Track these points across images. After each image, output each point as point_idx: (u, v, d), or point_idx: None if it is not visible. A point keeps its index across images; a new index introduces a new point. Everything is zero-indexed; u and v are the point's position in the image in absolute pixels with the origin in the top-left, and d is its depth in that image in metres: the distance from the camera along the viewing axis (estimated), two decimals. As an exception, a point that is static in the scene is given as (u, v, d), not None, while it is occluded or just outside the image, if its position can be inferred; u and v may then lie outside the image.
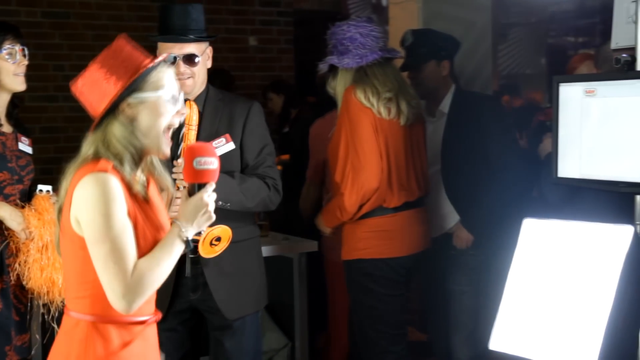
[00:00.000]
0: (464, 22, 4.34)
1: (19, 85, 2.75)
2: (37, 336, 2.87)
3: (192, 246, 1.87)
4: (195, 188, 1.89)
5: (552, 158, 2.20)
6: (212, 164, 1.89)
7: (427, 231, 3.18)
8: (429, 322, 3.70)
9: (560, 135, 2.19)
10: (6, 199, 2.70)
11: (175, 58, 2.57)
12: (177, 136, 2.61)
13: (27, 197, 2.78)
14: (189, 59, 2.64)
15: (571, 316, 1.81)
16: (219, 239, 2.04)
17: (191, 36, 2.64)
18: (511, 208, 3.22)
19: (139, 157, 1.86)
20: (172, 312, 2.73)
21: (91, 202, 1.75)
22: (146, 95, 1.84)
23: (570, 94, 2.19)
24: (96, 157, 1.81)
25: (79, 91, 1.85)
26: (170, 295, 2.69)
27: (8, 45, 2.72)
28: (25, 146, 2.81)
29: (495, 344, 1.96)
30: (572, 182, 2.19)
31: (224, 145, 2.64)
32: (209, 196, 1.89)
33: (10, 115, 2.80)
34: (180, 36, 2.63)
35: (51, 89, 5.71)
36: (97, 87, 1.82)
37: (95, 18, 5.93)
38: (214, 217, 1.91)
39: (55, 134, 5.69)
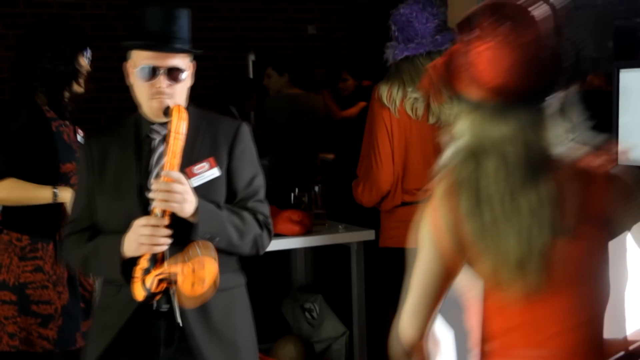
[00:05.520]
0: (525, 6, 4.25)
1: (80, 88, 2.89)
2: None
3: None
4: None
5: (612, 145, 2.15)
6: None
7: None
8: None
9: (621, 122, 2.13)
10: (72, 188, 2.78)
11: (154, 71, 2.07)
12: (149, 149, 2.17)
13: None
14: (172, 74, 2.08)
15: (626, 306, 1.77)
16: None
17: (178, 45, 2.10)
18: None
19: None
20: None
21: None
22: None
23: (633, 80, 2.13)
24: None
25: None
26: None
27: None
28: (81, 138, 2.89)
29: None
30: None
31: (208, 171, 2.12)
32: None
33: (67, 108, 2.89)
34: (167, 44, 2.08)
35: (116, 80, 5.79)
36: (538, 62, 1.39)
37: (157, 10, 6.03)
38: None
39: (120, 125, 5.83)
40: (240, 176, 2.17)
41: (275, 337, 3.95)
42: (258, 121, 5.57)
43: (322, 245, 3.69)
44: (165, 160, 2.04)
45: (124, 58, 2.16)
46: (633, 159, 2.12)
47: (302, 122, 5.04)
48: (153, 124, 2.12)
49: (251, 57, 6.41)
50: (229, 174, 2.16)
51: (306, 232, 3.48)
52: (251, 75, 6.33)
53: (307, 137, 5.08)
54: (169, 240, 1.99)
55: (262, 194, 2.23)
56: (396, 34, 2.95)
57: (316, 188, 3.66)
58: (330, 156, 5.27)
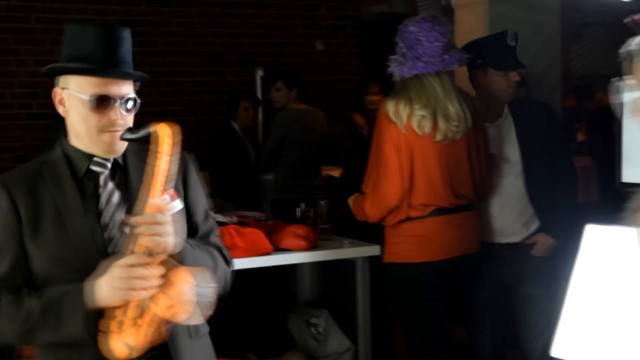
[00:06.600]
0: (532, 24, 4.28)
1: None
2: None
3: None
4: None
5: (615, 162, 2.16)
6: None
7: (466, 236, 3.07)
8: (481, 326, 3.60)
9: (624, 140, 2.14)
10: None
11: (108, 100, 1.79)
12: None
13: None
14: (128, 104, 1.82)
15: (636, 326, 1.76)
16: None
17: (137, 72, 1.85)
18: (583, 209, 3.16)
19: None
20: None
21: None
22: None
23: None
24: None
25: None
26: None
27: None
28: None
29: (557, 351, 1.93)
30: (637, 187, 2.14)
31: (170, 203, 1.78)
32: None
33: None
34: (125, 70, 1.81)
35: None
36: None
37: (166, 25, 6.09)
38: None
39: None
40: (198, 208, 1.97)
41: (280, 352, 3.95)
42: (265, 135, 5.59)
43: (328, 260, 3.69)
44: (151, 184, 1.70)
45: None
46: (632, 176, 2.12)
47: (312, 137, 5.07)
48: (93, 157, 1.83)
49: (259, 73, 6.45)
50: (187, 207, 1.91)
51: (312, 247, 3.49)
52: (259, 91, 6.36)
53: (314, 152, 5.11)
54: (159, 282, 1.66)
55: (216, 228, 2.02)
56: (404, 50, 2.97)
57: (322, 203, 3.68)
58: (337, 172, 5.29)
